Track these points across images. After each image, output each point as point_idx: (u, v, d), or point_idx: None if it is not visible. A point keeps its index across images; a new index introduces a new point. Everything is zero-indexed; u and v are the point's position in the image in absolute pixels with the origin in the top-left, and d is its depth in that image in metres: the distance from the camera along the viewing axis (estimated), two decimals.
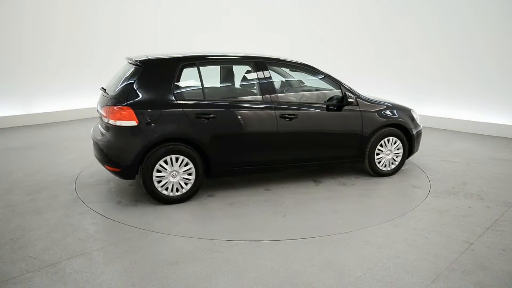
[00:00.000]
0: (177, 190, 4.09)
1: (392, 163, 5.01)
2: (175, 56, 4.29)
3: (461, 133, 7.62)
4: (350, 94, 4.61)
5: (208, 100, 4.21)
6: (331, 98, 4.64)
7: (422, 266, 2.98)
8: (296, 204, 4.16)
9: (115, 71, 4.66)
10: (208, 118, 4.08)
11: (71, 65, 8.77)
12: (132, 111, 3.85)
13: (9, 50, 7.91)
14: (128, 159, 3.90)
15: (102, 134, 4.17)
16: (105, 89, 4.36)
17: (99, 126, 4.41)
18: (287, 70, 4.98)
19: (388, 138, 4.90)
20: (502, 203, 4.18)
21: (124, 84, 4.04)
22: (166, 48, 8.36)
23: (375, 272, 2.90)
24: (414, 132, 5.06)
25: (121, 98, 3.91)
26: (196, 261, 3.03)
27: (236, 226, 3.63)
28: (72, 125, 8.29)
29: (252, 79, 4.54)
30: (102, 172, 4.96)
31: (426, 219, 3.81)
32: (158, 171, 3.97)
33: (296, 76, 5.06)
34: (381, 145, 4.89)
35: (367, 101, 4.81)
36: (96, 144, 4.19)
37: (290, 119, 4.40)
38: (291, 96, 4.72)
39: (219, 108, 4.17)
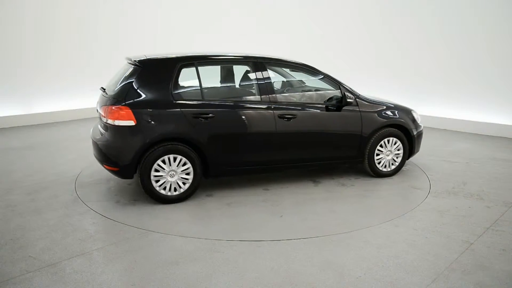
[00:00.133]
0: (175, 189, 4.09)
1: (392, 164, 5.00)
2: (173, 56, 4.29)
3: (461, 133, 7.62)
4: (349, 94, 4.60)
5: (206, 100, 4.21)
6: (330, 98, 4.63)
7: (422, 266, 2.98)
8: (295, 204, 4.16)
9: (115, 71, 4.67)
10: (206, 118, 4.08)
11: (71, 65, 8.77)
12: (130, 110, 3.86)
13: (9, 50, 7.91)
14: (126, 158, 3.91)
15: (101, 134, 4.18)
16: (104, 89, 4.37)
17: (99, 126, 4.42)
18: (286, 70, 4.97)
19: (388, 138, 4.88)
20: (502, 203, 4.18)
21: (122, 84, 4.05)
22: (166, 48, 8.38)
23: (375, 272, 2.90)
24: (415, 133, 5.04)
25: (120, 98, 3.92)
26: (196, 261, 3.03)
27: (235, 226, 3.63)
28: (72, 125, 8.29)
29: (251, 79, 4.54)
30: (102, 172, 4.96)
31: (426, 219, 3.81)
32: (156, 170, 3.97)
33: (296, 76, 5.05)
34: (381, 146, 4.88)
35: (366, 101, 4.80)
36: (95, 143, 4.20)
37: (289, 119, 4.39)
38: (290, 96, 4.71)
39: (217, 108, 4.17)
